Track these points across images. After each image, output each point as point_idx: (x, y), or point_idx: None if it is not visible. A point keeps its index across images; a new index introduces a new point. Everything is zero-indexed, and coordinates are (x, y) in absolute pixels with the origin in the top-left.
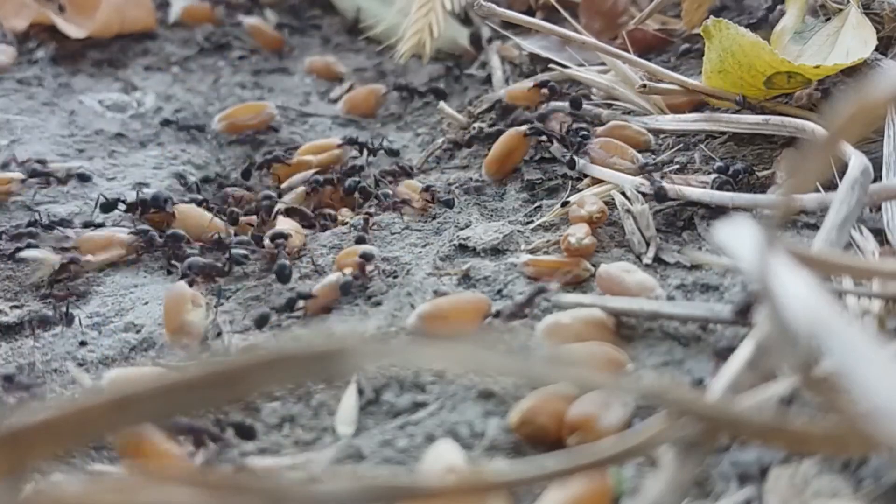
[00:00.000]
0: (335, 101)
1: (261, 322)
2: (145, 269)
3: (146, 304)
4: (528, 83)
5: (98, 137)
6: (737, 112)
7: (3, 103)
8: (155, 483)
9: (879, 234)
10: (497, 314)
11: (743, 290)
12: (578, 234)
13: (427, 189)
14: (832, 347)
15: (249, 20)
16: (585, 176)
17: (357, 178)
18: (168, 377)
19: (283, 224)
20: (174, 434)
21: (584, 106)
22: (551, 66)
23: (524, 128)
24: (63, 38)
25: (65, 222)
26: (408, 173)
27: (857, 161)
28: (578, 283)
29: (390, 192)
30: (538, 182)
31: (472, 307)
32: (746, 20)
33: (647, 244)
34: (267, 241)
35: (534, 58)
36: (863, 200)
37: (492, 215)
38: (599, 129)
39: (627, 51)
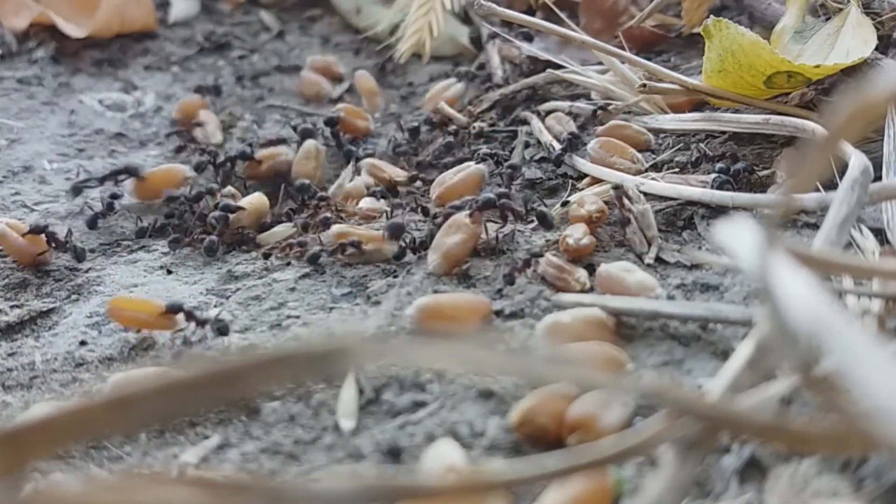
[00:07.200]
0: (335, 100)
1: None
2: (145, 267)
3: None
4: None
5: (98, 137)
6: (736, 111)
7: (3, 103)
8: (155, 483)
9: (879, 234)
10: (497, 314)
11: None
12: (576, 234)
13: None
14: (832, 347)
15: None
16: (585, 176)
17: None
18: (168, 377)
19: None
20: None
21: (585, 105)
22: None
23: None
24: (63, 38)
25: None
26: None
27: (857, 161)
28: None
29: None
30: (538, 182)
31: (471, 307)
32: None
33: (649, 244)
34: None
35: (534, 57)
36: (863, 200)
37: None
38: (599, 129)
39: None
